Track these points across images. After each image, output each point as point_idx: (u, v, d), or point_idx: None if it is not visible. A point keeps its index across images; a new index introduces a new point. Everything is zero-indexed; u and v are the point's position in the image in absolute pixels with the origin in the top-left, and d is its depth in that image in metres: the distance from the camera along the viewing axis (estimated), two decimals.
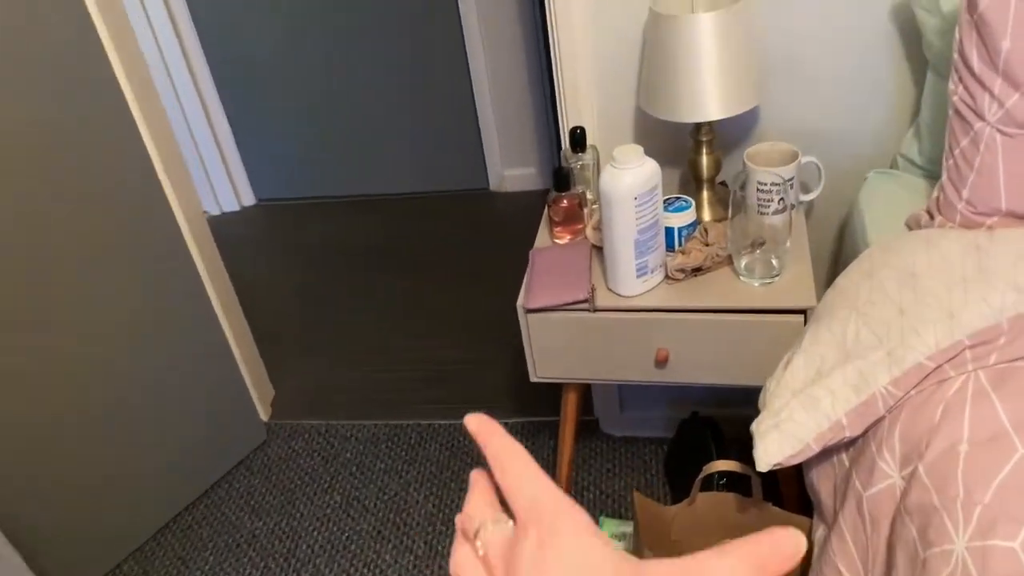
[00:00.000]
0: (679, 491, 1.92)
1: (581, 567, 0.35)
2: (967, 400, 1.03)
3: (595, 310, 1.40)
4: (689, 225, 1.44)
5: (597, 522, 1.90)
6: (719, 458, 1.79)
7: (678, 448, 1.97)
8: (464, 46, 2.89)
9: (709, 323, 1.37)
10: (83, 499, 1.88)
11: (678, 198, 1.45)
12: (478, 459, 2.12)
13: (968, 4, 1.15)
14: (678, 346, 1.40)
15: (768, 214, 1.42)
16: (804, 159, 1.50)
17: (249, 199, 3.39)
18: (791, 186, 1.45)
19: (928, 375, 1.08)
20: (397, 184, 3.28)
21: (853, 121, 1.57)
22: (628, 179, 1.28)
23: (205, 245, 2.05)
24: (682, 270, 1.40)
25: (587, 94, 1.60)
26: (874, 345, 1.13)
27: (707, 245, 1.41)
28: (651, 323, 1.39)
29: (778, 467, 1.18)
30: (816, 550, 1.23)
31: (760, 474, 1.40)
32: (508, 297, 2.65)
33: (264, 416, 2.33)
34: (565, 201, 1.50)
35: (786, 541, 0.36)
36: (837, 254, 1.71)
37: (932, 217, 1.29)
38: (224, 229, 3.28)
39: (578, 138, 1.54)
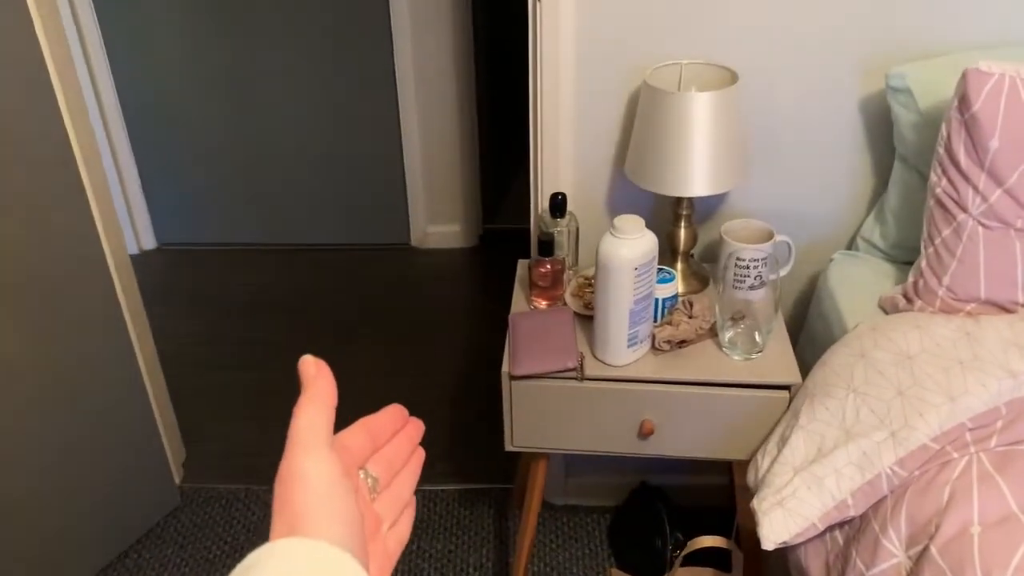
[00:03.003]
0: (626, 562, 1.90)
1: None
2: (973, 483, 1.06)
3: (583, 379, 1.38)
4: (671, 297, 1.45)
5: None
6: (672, 528, 1.78)
7: (626, 518, 1.95)
8: (396, 94, 2.85)
9: (696, 396, 1.37)
10: None
11: (661, 269, 1.46)
12: (413, 529, 2.03)
13: (960, 104, 1.22)
14: (663, 418, 1.39)
15: (743, 289, 1.44)
16: (778, 238, 1.54)
17: (150, 242, 3.19)
18: (766, 263, 1.49)
19: (932, 456, 1.11)
20: (312, 234, 3.17)
21: (815, 203, 1.64)
22: (628, 250, 1.28)
23: (130, 292, 1.90)
24: (669, 342, 1.40)
25: (566, 159, 1.60)
26: (875, 425, 1.16)
27: (691, 318, 1.42)
28: (638, 394, 1.38)
29: (783, 545, 1.18)
30: None
31: (741, 549, 1.40)
32: (437, 359, 2.58)
33: (177, 479, 2.15)
34: (548, 266, 1.48)
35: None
36: (794, 331, 1.76)
37: (910, 301, 1.35)
38: None
39: (559, 204, 1.53)
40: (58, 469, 1.77)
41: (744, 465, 1.50)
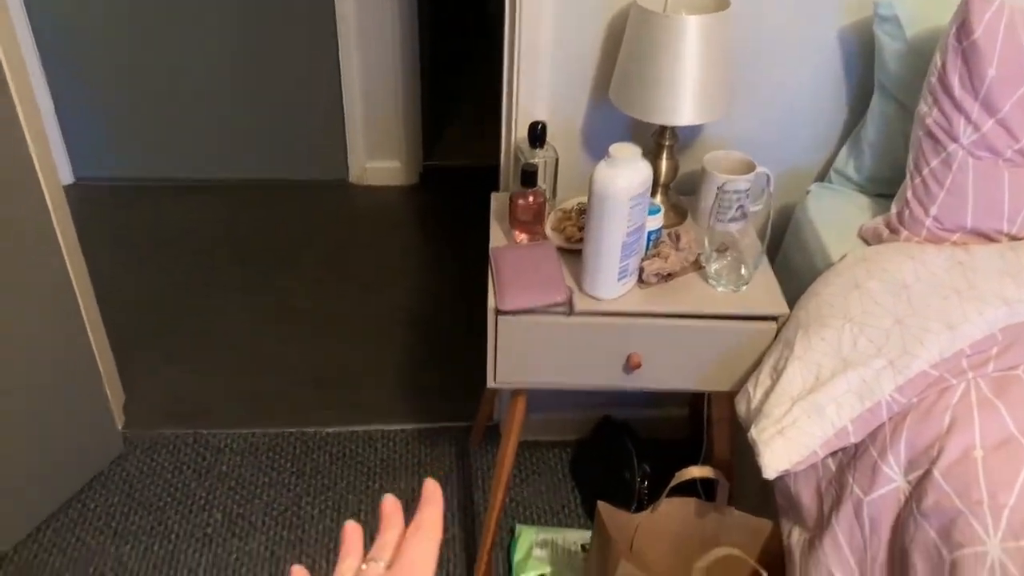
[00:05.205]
0: (591, 494, 1.91)
1: None
2: (974, 407, 1.09)
3: (571, 313, 1.34)
4: (657, 229, 1.43)
5: (513, 531, 1.84)
6: (640, 461, 1.79)
7: (590, 451, 1.96)
8: (335, 21, 2.70)
9: (683, 328, 1.36)
10: None
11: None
12: (372, 469, 1.99)
13: (959, 31, 1.21)
14: (651, 351, 1.38)
15: (724, 221, 1.43)
16: (759, 169, 1.53)
17: (67, 177, 2.97)
18: (748, 195, 1.48)
19: (931, 383, 1.13)
20: (242, 168, 3.01)
21: (791, 134, 1.63)
22: (624, 179, 1.24)
23: (66, 227, 1.76)
24: (658, 274, 1.37)
25: (543, 86, 1.54)
26: (874, 354, 1.17)
27: (678, 250, 1.40)
28: (627, 327, 1.35)
29: (785, 474, 1.18)
30: (796, 554, 1.25)
31: (727, 478, 1.41)
32: (381, 297, 2.51)
33: (119, 424, 2.04)
34: (531, 198, 1.42)
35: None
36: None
37: (894, 231, 1.36)
38: None
39: (539, 134, 1.47)
40: None
41: (723, 396, 1.51)
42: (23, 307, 1.64)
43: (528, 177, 1.42)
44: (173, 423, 2.08)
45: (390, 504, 0.52)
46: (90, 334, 1.84)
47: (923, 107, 1.30)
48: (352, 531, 0.51)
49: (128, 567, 1.76)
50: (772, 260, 1.71)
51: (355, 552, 0.50)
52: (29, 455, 1.75)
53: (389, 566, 0.49)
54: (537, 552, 1.77)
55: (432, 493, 0.52)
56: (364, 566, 0.49)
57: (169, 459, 2.00)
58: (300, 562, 1.78)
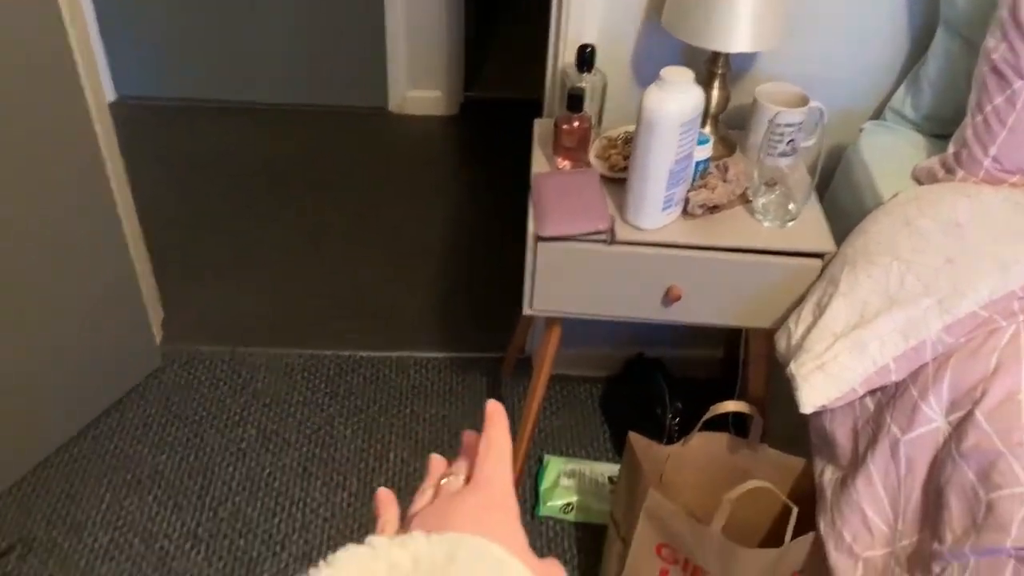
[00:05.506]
0: (621, 429, 1.91)
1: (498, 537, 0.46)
2: (1022, 350, 1.06)
3: (612, 242, 1.33)
4: (704, 160, 1.40)
5: (541, 461, 1.86)
6: (672, 398, 1.79)
7: (622, 388, 1.96)
8: None
9: (727, 262, 1.34)
10: None
11: None
12: (404, 394, 2.01)
13: None
14: (692, 285, 1.36)
15: (774, 155, 1.40)
16: (812, 103, 1.48)
17: (109, 94, 2.98)
18: (800, 129, 1.44)
19: (979, 324, 1.10)
20: (282, 93, 2.99)
21: (846, 70, 1.58)
22: (676, 103, 1.21)
23: (110, 144, 1.76)
24: (704, 206, 1.35)
25: (596, 9, 1.50)
26: (921, 292, 1.14)
27: (725, 182, 1.37)
28: (668, 259, 1.34)
29: (822, 409, 1.17)
30: (828, 492, 1.25)
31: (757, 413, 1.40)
32: (416, 226, 2.51)
33: (158, 339, 2.07)
34: (576, 123, 1.40)
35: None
36: None
37: (950, 171, 1.32)
38: None
39: (587, 57, 1.44)
40: (37, 323, 1.68)
41: (762, 333, 1.50)
42: (68, 222, 1.66)
43: (574, 101, 1.39)
44: (210, 341, 2.11)
45: (469, 436, 0.57)
46: (132, 250, 1.86)
47: (990, 41, 1.25)
48: (436, 460, 0.56)
49: (164, 475, 1.80)
50: (820, 199, 1.67)
51: (437, 474, 0.54)
52: (69, 364, 1.78)
53: (467, 481, 0.52)
54: (564, 481, 1.79)
55: (495, 413, 0.55)
56: (443, 480, 0.52)
57: (206, 375, 2.03)
58: (331, 479, 1.81)
